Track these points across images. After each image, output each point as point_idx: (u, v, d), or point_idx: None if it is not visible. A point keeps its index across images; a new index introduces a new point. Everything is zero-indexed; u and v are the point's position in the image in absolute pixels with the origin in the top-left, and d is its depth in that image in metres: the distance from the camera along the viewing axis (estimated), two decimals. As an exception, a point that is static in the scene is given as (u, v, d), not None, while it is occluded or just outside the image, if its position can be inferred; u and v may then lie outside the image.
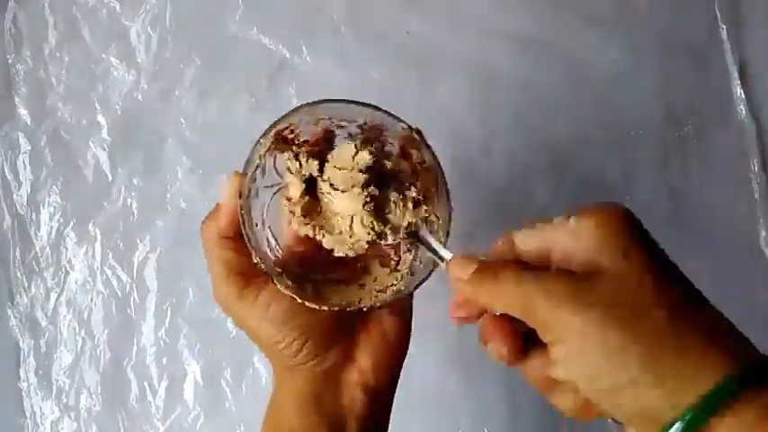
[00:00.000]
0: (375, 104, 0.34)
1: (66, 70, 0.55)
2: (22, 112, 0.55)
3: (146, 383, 0.52)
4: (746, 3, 0.56)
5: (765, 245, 0.54)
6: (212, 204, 0.54)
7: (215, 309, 0.53)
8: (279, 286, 0.32)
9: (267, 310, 0.33)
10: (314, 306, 0.32)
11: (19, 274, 0.54)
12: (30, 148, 0.55)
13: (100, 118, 0.55)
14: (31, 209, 0.54)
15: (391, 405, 0.37)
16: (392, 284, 0.36)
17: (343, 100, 0.33)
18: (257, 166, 0.34)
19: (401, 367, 0.37)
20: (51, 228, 0.54)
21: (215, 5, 0.56)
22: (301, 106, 0.33)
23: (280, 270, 0.34)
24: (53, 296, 0.54)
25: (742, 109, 0.55)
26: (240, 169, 0.34)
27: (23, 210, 0.54)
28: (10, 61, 0.56)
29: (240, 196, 0.33)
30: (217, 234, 0.34)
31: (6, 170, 0.55)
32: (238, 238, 0.34)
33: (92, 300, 0.53)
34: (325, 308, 0.32)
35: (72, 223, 0.54)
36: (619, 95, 0.55)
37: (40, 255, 0.54)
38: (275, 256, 0.36)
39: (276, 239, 0.37)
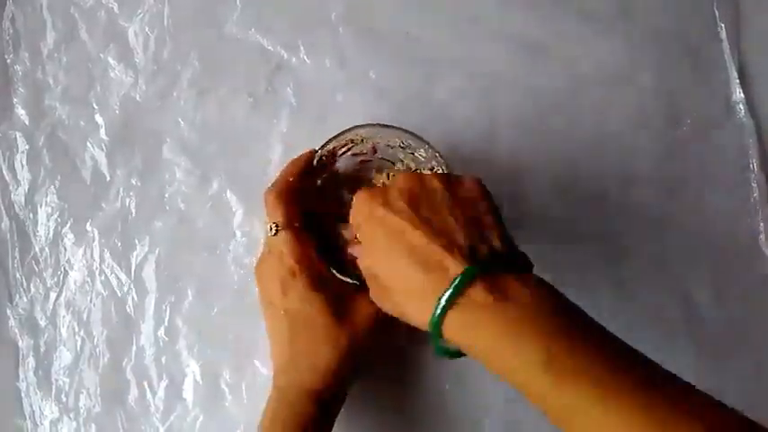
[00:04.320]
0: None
1: (64, 71, 0.55)
2: (20, 112, 0.55)
3: (145, 383, 0.52)
4: (746, 2, 0.56)
5: (765, 245, 0.54)
6: (211, 204, 0.54)
7: (214, 308, 0.53)
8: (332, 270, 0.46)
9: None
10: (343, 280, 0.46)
11: (18, 275, 0.54)
12: (27, 148, 0.55)
13: (98, 118, 0.55)
14: (29, 209, 0.54)
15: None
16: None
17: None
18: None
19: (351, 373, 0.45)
20: (49, 228, 0.54)
21: (213, 6, 0.56)
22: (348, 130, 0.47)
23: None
24: (52, 296, 0.54)
25: (741, 109, 0.55)
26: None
27: (21, 210, 0.54)
28: (8, 61, 0.56)
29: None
30: (290, 184, 0.47)
31: (4, 170, 0.55)
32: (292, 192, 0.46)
33: (91, 300, 0.53)
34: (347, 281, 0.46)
35: (70, 223, 0.54)
36: (618, 95, 0.55)
37: (38, 255, 0.54)
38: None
39: None
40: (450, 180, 0.39)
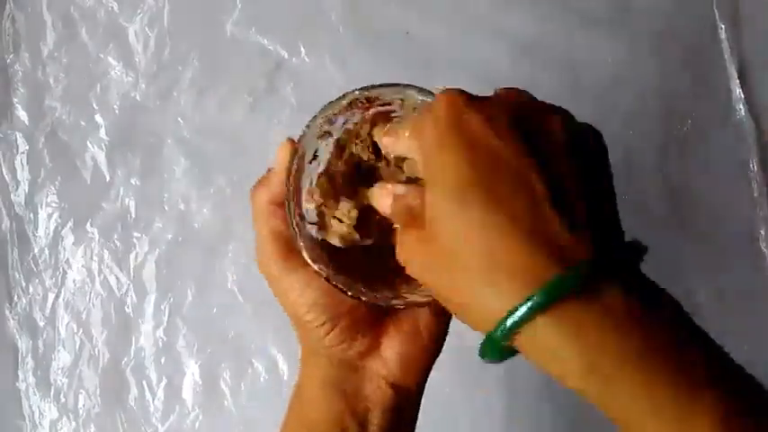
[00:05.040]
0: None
1: (65, 71, 0.55)
2: (20, 112, 0.55)
3: (144, 384, 0.52)
4: (745, 2, 0.56)
5: (765, 245, 0.54)
6: (210, 204, 0.54)
7: (213, 308, 0.53)
8: (312, 265, 0.32)
9: (305, 289, 0.33)
10: (345, 293, 0.32)
11: (17, 275, 0.54)
12: (28, 148, 0.55)
13: (98, 118, 0.55)
14: (29, 209, 0.54)
15: (419, 404, 0.36)
16: (422, 288, 0.33)
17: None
18: (322, 134, 0.33)
19: (431, 367, 0.36)
20: (49, 228, 0.54)
21: (213, 6, 0.56)
22: (401, 85, 0.32)
23: (318, 249, 0.33)
24: (51, 297, 0.53)
25: (741, 108, 0.55)
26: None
27: (21, 210, 0.54)
28: (8, 62, 0.56)
29: (290, 165, 0.32)
30: (266, 201, 0.34)
31: (4, 171, 0.55)
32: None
33: (90, 300, 0.53)
34: (355, 296, 0.32)
35: (70, 224, 0.54)
36: (618, 95, 0.55)
37: (38, 256, 0.54)
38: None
39: None
40: (573, 123, 0.28)
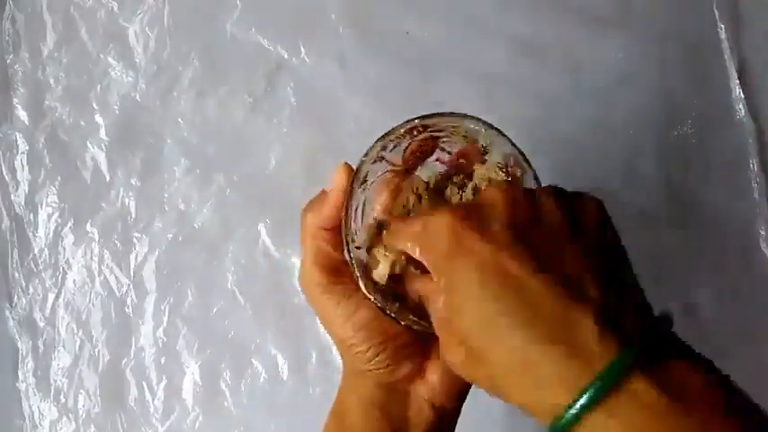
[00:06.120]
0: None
1: (65, 71, 0.55)
2: (21, 112, 0.55)
3: (144, 384, 0.52)
4: (745, 2, 0.56)
5: (765, 245, 0.54)
6: (210, 204, 0.54)
7: (213, 308, 0.53)
8: (366, 293, 0.32)
9: (353, 314, 0.33)
10: (397, 321, 0.32)
11: (17, 275, 0.54)
12: (28, 148, 0.55)
13: (98, 118, 0.55)
14: (29, 210, 0.54)
15: (455, 425, 0.37)
16: None
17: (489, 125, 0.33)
18: (376, 159, 0.34)
19: (470, 389, 0.36)
20: (49, 229, 0.54)
21: (213, 6, 0.56)
22: (461, 115, 0.33)
23: (370, 278, 0.33)
24: (51, 297, 0.53)
25: (741, 108, 0.55)
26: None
27: (21, 210, 0.54)
28: (8, 62, 0.56)
29: (349, 191, 0.32)
30: (316, 224, 0.34)
31: (4, 171, 0.55)
32: (337, 231, 0.33)
33: (90, 301, 0.53)
34: (407, 325, 0.32)
35: (70, 224, 0.54)
36: (618, 95, 0.55)
37: (38, 256, 0.54)
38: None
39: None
40: (568, 199, 0.28)
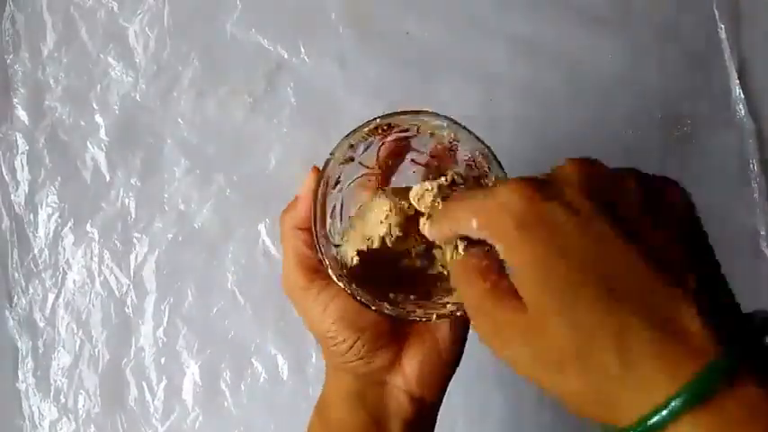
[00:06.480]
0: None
1: (65, 71, 0.55)
2: (20, 112, 0.55)
3: (144, 384, 0.52)
4: (745, 2, 0.56)
5: (765, 245, 0.54)
6: (210, 204, 0.54)
7: (213, 309, 0.53)
8: (337, 282, 0.33)
9: (328, 305, 0.34)
10: (369, 308, 0.33)
11: (17, 276, 0.54)
12: (27, 148, 0.55)
13: (98, 118, 0.55)
14: (29, 210, 0.54)
15: (436, 416, 0.37)
16: (447, 302, 0.34)
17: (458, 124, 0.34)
18: (345, 159, 0.35)
19: (449, 380, 0.37)
20: (49, 229, 0.54)
21: (213, 6, 0.56)
22: (418, 111, 0.34)
23: (341, 269, 0.34)
24: (51, 297, 0.53)
25: (741, 108, 0.55)
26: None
27: (21, 210, 0.54)
28: (8, 62, 0.56)
29: (316, 191, 0.34)
30: (293, 224, 0.35)
31: (4, 171, 0.55)
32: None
33: (90, 301, 0.53)
34: (378, 311, 0.32)
35: (70, 224, 0.54)
36: (618, 95, 0.55)
37: (38, 256, 0.54)
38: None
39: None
40: (648, 179, 0.26)
